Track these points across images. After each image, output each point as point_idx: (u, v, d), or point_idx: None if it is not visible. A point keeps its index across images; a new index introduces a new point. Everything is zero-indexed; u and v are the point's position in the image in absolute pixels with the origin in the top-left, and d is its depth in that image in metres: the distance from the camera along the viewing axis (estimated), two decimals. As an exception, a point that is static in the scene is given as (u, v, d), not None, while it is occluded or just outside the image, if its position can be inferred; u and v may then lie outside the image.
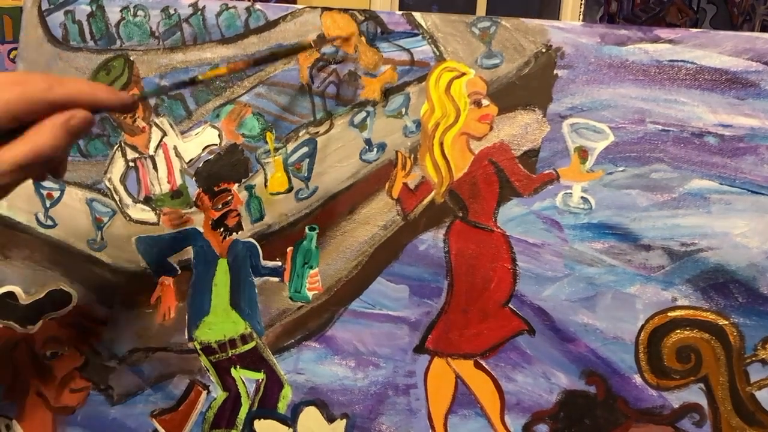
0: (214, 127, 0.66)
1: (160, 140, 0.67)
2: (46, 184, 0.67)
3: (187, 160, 0.66)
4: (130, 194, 0.67)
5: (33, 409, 0.66)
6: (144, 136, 0.67)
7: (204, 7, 0.67)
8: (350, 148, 0.64)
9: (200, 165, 0.66)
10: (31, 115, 0.41)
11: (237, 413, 0.65)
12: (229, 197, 0.65)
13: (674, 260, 0.59)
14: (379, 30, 0.64)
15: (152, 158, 0.67)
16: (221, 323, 0.65)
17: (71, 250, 0.67)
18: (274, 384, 0.64)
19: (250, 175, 0.66)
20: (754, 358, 0.57)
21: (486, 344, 0.61)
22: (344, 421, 0.63)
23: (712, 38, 0.59)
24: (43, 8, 0.68)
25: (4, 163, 0.41)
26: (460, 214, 0.62)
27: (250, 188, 0.65)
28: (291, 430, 0.64)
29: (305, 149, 0.65)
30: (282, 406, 0.64)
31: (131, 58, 0.67)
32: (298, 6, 0.65)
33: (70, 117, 0.42)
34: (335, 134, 0.65)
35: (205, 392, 0.65)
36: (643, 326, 0.59)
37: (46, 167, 0.46)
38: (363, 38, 0.64)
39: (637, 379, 0.59)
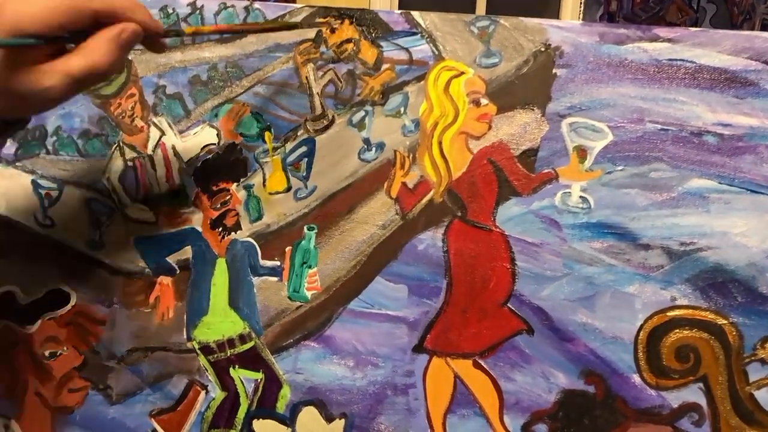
0: (213, 126, 0.66)
1: (159, 140, 0.67)
2: (44, 183, 0.67)
3: (185, 160, 0.66)
4: (128, 194, 0.67)
5: (32, 409, 0.66)
6: (142, 135, 0.67)
7: (202, 6, 0.66)
8: (349, 147, 0.64)
9: (198, 164, 0.66)
10: (75, 24, 0.42)
11: (236, 413, 0.65)
12: (228, 197, 0.65)
13: (673, 259, 0.59)
14: (378, 29, 0.64)
15: (151, 158, 0.67)
16: (220, 323, 0.65)
17: (70, 249, 0.67)
18: (272, 384, 0.64)
19: (249, 174, 0.65)
20: (753, 358, 0.57)
21: (485, 344, 0.61)
22: (343, 420, 0.63)
23: (711, 37, 0.59)
24: (42, 7, 0.68)
25: (57, 73, 0.42)
26: (459, 214, 0.62)
27: (248, 188, 0.65)
28: (290, 429, 0.64)
29: (304, 148, 0.65)
30: (281, 406, 0.64)
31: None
32: (297, 5, 0.65)
33: (120, 31, 0.43)
34: (334, 133, 0.64)
35: (203, 392, 0.65)
36: (642, 326, 0.59)
37: (100, 81, 0.47)
38: (362, 37, 0.64)
39: (636, 378, 0.59)
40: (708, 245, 0.58)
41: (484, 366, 0.61)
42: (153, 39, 0.49)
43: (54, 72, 0.42)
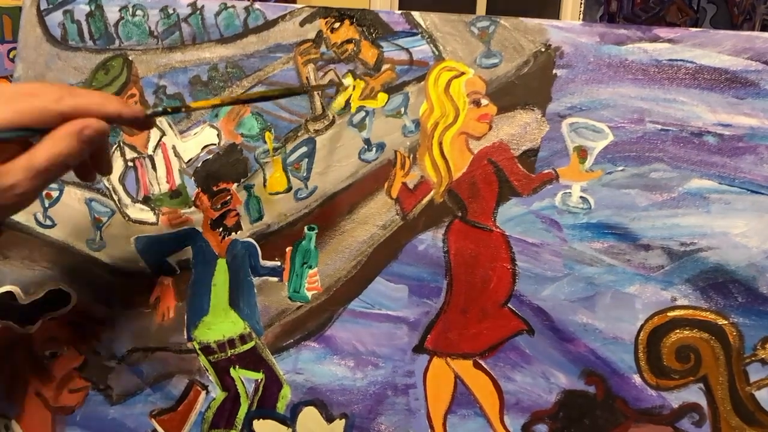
0: (213, 126, 0.66)
1: (159, 140, 0.67)
2: (45, 183, 0.67)
3: (186, 160, 0.66)
4: (129, 194, 0.67)
5: (32, 409, 0.66)
6: (143, 135, 0.67)
7: (203, 6, 0.66)
8: (349, 147, 0.64)
9: (199, 165, 0.66)
10: (43, 125, 0.43)
11: (236, 413, 0.65)
12: (228, 197, 0.65)
13: (674, 260, 0.59)
14: (378, 30, 0.64)
15: (151, 158, 0.67)
16: (220, 323, 0.65)
17: (70, 249, 0.67)
18: (273, 384, 0.64)
19: (249, 174, 0.65)
20: (753, 358, 0.57)
21: (485, 344, 0.61)
22: (343, 421, 0.63)
23: (712, 37, 0.59)
24: (42, 8, 0.68)
25: (19, 169, 0.42)
26: (459, 214, 0.62)
27: (249, 188, 0.65)
28: (290, 430, 0.64)
29: (304, 149, 0.65)
30: (281, 406, 0.64)
31: (130, 58, 0.67)
32: (297, 5, 0.65)
33: (83, 127, 0.44)
34: (334, 134, 0.64)
35: (204, 392, 0.65)
36: (642, 326, 0.59)
37: (76, 171, 0.49)
38: (362, 37, 0.64)
39: (637, 379, 0.59)
40: (708, 245, 0.58)
41: (485, 366, 0.61)
42: (136, 122, 0.49)
43: (16, 169, 0.41)
